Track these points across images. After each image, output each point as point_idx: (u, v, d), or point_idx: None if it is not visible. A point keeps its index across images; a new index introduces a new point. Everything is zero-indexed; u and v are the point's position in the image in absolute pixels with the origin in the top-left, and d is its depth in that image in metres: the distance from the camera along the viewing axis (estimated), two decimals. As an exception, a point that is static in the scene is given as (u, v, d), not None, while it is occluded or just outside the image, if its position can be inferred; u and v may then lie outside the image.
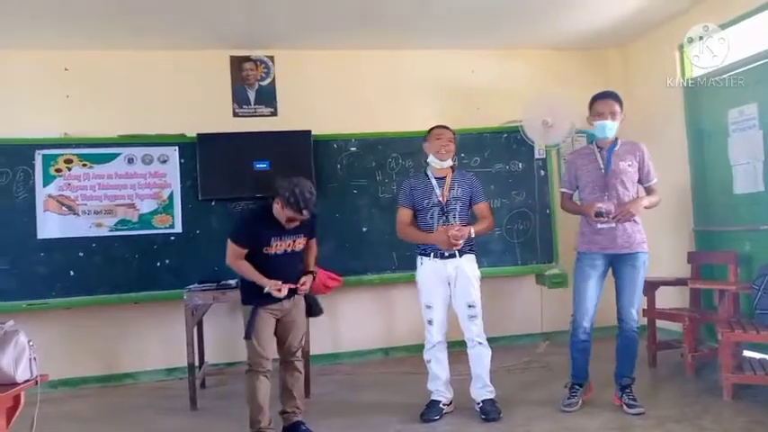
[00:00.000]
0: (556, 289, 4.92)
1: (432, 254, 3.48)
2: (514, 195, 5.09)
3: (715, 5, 4.44)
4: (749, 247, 4.30)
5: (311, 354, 4.21)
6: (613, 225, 3.38)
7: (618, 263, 3.46)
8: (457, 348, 3.61)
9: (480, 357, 3.48)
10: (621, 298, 3.45)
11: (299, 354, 3.39)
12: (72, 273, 4.51)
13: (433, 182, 3.55)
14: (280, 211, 3.17)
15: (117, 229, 4.62)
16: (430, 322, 3.51)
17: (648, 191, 3.53)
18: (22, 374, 2.18)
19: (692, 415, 3.32)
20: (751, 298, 3.84)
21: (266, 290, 3.16)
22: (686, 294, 4.50)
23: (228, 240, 3.26)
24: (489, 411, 3.40)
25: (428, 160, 3.60)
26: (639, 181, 3.50)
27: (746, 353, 4.04)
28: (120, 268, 4.58)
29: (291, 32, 4.85)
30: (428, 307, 3.52)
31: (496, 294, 5.24)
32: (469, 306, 3.46)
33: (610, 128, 3.45)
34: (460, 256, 3.45)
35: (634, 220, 3.41)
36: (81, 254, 4.54)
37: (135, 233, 4.64)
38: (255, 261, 3.23)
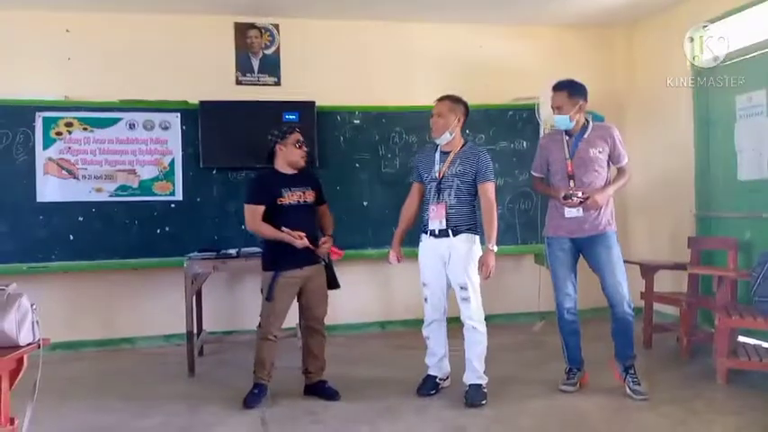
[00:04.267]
0: (555, 269, 4.93)
1: (429, 231, 3.41)
2: (518, 174, 5.07)
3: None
4: (750, 234, 4.31)
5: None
6: (580, 214, 3.39)
7: (588, 247, 3.45)
8: (456, 324, 3.58)
9: (472, 342, 3.39)
10: (605, 281, 3.39)
11: (322, 318, 3.53)
12: (72, 237, 4.50)
13: (437, 156, 3.46)
14: (289, 150, 3.42)
15: (117, 195, 4.60)
16: (425, 299, 3.50)
17: (619, 171, 3.53)
18: (24, 338, 2.17)
19: (685, 398, 3.35)
20: (749, 285, 3.85)
21: (285, 238, 3.31)
22: (684, 279, 4.51)
23: (245, 206, 3.42)
24: (472, 397, 3.32)
25: None
26: (611, 162, 3.50)
27: (741, 338, 4.08)
28: (120, 234, 4.57)
29: (298, 0, 4.76)
30: (424, 284, 3.49)
31: (495, 272, 5.26)
32: (462, 288, 3.35)
33: (558, 120, 3.45)
34: (455, 235, 3.34)
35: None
36: (81, 218, 4.52)
37: (135, 199, 4.62)
38: (274, 217, 3.37)
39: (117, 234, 4.56)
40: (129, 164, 4.63)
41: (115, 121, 4.62)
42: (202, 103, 4.66)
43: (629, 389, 3.35)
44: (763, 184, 4.24)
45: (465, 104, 3.49)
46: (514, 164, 5.08)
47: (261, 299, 3.43)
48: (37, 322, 2.24)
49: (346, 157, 4.96)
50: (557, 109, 3.44)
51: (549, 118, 4.89)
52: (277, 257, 3.38)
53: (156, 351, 4.72)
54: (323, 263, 3.50)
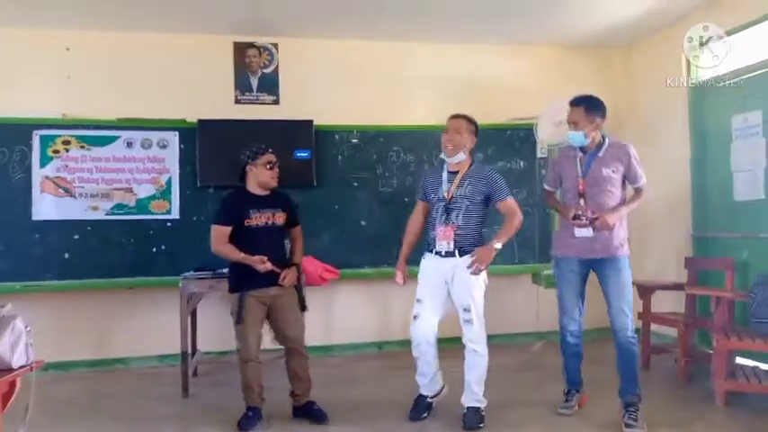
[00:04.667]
0: (552, 289, 4.90)
1: (433, 249, 3.33)
2: (515, 194, 4.97)
3: (723, 11, 4.43)
4: (747, 254, 4.31)
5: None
6: (591, 235, 3.28)
7: (599, 268, 3.34)
8: (457, 345, 3.47)
9: (472, 364, 3.30)
10: (611, 306, 3.29)
11: (300, 339, 3.44)
12: (67, 255, 4.47)
13: (444, 176, 3.37)
14: (259, 171, 3.38)
15: (113, 213, 4.59)
16: (415, 317, 3.33)
17: (636, 191, 3.43)
18: (18, 360, 2.15)
19: (684, 420, 3.33)
20: (747, 306, 3.84)
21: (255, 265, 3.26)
22: (682, 299, 4.50)
23: (212, 226, 3.40)
24: (469, 420, 3.25)
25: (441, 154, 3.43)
26: (628, 182, 3.40)
27: (739, 360, 4.06)
28: (116, 253, 4.55)
29: (296, 20, 4.80)
30: (418, 300, 3.35)
31: (492, 292, 5.17)
32: (465, 310, 3.25)
33: (572, 137, 3.34)
34: (460, 255, 3.25)
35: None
36: (76, 237, 4.50)
37: (131, 218, 4.61)
38: (240, 238, 3.33)
39: (112, 253, 4.54)
40: (126, 182, 4.62)
41: (113, 139, 4.62)
42: (201, 121, 4.67)
43: (625, 424, 3.16)
44: (759, 204, 4.25)
45: (476, 125, 3.46)
46: (512, 183, 4.97)
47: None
48: (31, 344, 2.21)
49: (344, 175, 4.96)
50: (572, 124, 3.32)
51: (546, 138, 4.93)
52: (242, 278, 3.33)
53: (149, 371, 4.67)
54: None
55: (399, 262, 3.51)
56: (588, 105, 3.33)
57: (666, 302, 4.67)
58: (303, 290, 3.56)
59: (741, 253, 4.34)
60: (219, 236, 3.35)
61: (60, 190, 4.50)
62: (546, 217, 5.10)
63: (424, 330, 3.32)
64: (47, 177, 4.48)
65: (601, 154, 3.34)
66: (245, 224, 3.34)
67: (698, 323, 4.35)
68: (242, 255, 3.28)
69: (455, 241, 3.28)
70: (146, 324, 4.76)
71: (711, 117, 4.74)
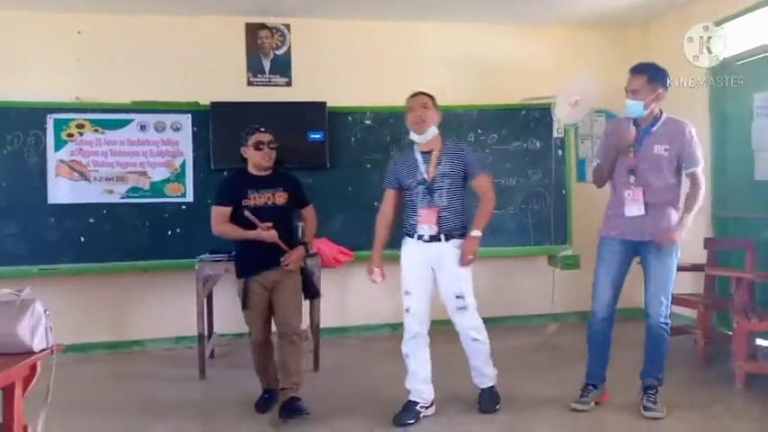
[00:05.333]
0: (568, 270, 4.87)
1: (414, 234, 3.16)
2: (531, 174, 5.02)
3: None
4: (767, 234, 4.23)
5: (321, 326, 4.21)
6: (642, 213, 3.10)
7: (644, 251, 3.17)
8: (451, 327, 3.33)
9: (474, 351, 3.21)
10: (647, 290, 3.17)
11: (294, 325, 3.29)
12: (83, 239, 4.50)
13: (418, 157, 3.17)
14: (250, 152, 3.34)
15: (128, 197, 4.59)
16: (407, 310, 3.17)
17: (691, 182, 3.15)
18: (38, 344, 2.15)
19: (703, 402, 3.31)
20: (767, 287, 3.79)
21: (255, 234, 3.23)
22: (701, 280, 4.45)
23: (212, 207, 3.36)
24: (485, 402, 3.24)
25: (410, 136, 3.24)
26: (680, 164, 3.15)
27: (759, 341, 4.01)
28: (131, 236, 4.57)
29: (308, 1, 4.73)
30: (406, 293, 3.17)
31: (507, 274, 5.23)
32: (457, 297, 3.12)
33: (630, 106, 3.12)
34: (446, 240, 3.11)
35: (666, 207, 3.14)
36: (92, 220, 4.52)
37: (146, 201, 4.61)
38: (241, 220, 3.28)
39: (128, 236, 4.56)
40: (141, 165, 4.61)
41: (126, 122, 4.61)
42: (213, 104, 4.64)
43: (643, 407, 3.13)
44: (780, 184, 4.17)
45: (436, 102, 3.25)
46: (527, 164, 5.03)
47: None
48: (50, 328, 2.21)
49: (357, 157, 4.93)
50: (632, 93, 3.09)
51: (563, 118, 4.86)
52: (245, 262, 3.32)
53: (166, 353, 4.71)
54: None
55: (374, 259, 3.27)
56: (652, 74, 3.11)
57: (685, 283, 4.60)
58: (314, 274, 3.48)
59: (761, 233, 4.26)
60: (219, 216, 3.31)
61: (75, 173, 4.51)
62: (561, 198, 5.05)
63: (418, 322, 3.18)
64: (62, 161, 4.49)
65: (654, 129, 3.14)
66: (243, 204, 3.28)
67: (717, 304, 4.30)
68: (243, 231, 3.24)
69: (439, 225, 3.11)
70: (162, 306, 4.79)
71: (732, 95, 4.63)
